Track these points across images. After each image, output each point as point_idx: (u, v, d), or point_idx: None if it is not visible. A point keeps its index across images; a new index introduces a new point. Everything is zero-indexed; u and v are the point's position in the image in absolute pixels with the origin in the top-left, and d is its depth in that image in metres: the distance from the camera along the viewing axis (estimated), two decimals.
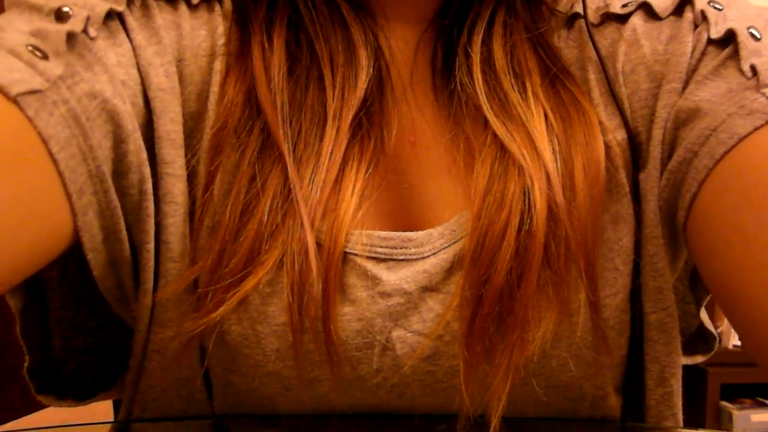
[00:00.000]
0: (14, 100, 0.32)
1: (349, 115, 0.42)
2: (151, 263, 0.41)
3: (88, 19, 0.37)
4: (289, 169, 0.40)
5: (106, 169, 0.37)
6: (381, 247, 0.41)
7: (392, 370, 0.41)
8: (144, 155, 0.39)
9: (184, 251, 0.41)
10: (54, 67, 0.34)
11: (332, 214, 0.40)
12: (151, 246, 0.40)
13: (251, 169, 0.40)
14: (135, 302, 0.42)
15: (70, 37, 0.36)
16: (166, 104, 0.41)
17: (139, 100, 0.40)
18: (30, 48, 0.34)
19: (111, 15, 0.39)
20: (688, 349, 0.50)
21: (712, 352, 0.51)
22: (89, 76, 0.36)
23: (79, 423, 0.44)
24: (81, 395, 0.47)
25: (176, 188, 0.41)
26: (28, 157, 0.33)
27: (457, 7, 0.44)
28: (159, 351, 0.42)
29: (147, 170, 0.40)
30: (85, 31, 0.37)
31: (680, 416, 0.46)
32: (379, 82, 0.44)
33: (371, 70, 0.43)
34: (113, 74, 0.38)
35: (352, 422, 0.43)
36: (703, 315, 0.50)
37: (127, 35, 0.40)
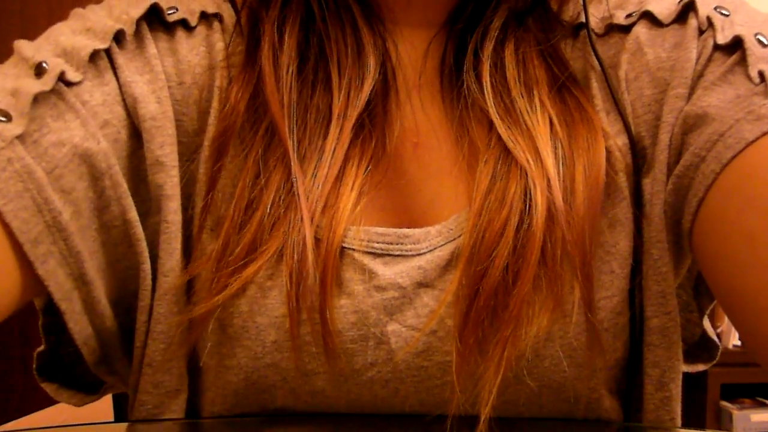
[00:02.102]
0: None
1: (353, 116, 0.43)
2: (148, 281, 0.42)
3: (62, 73, 0.39)
4: (292, 164, 0.41)
5: (74, 214, 0.39)
6: (378, 242, 0.42)
7: (386, 363, 0.41)
8: (122, 189, 0.41)
9: (174, 265, 0.42)
10: (14, 128, 0.37)
11: (332, 209, 0.41)
12: (147, 266, 0.42)
13: (256, 167, 0.42)
14: (116, 350, 0.44)
15: (38, 96, 0.38)
16: (156, 131, 0.42)
17: (123, 136, 0.42)
18: None
19: (98, 53, 0.42)
20: (690, 357, 0.50)
21: (714, 361, 0.51)
22: (58, 126, 0.39)
23: (79, 423, 0.45)
24: (83, 387, 0.48)
25: (167, 207, 0.42)
26: None
27: (469, 14, 0.45)
28: (150, 364, 0.43)
29: (127, 201, 0.41)
30: (62, 79, 0.39)
31: (678, 421, 0.46)
32: (385, 85, 0.44)
33: (378, 73, 0.44)
34: (94, 114, 0.40)
35: (349, 422, 0.43)
36: (706, 324, 0.50)
37: (114, 73, 0.42)
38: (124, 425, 0.48)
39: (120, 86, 0.42)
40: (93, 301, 0.41)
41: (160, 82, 0.43)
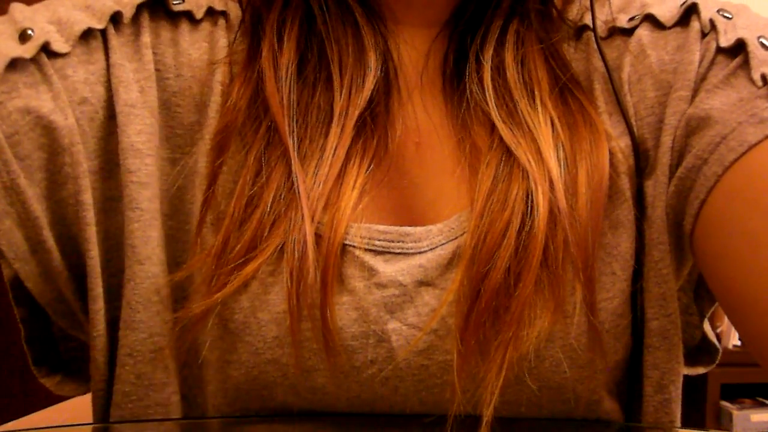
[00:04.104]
0: None
1: (354, 115, 0.43)
2: (97, 270, 0.41)
3: (46, 43, 0.39)
4: (293, 162, 0.41)
5: (28, 180, 0.39)
6: (379, 240, 0.42)
7: (387, 361, 0.41)
8: (81, 168, 0.40)
9: (151, 253, 0.42)
10: None
11: (333, 207, 0.41)
12: (94, 253, 0.41)
13: (257, 165, 0.42)
14: (82, 314, 0.43)
15: (16, 61, 0.38)
16: (133, 118, 0.42)
17: (101, 116, 0.42)
18: None
19: (92, 32, 0.41)
20: (690, 360, 0.50)
21: (714, 364, 0.51)
22: (28, 93, 0.39)
23: (79, 423, 0.44)
24: (73, 373, 0.48)
25: (141, 195, 0.42)
26: None
27: (470, 15, 0.45)
28: (132, 354, 0.42)
29: (84, 182, 0.41)
30: (46, 49, 0.39)
31: (678, 424, 0.46)
32: (386, 84, 0.44)
33: (379, 72, 0.44)
34: (73, 90, 0.40)
35: (348, 423, 0.43)
36: (706, 327, 0.51)
37: (106, 53, 0.42)
38: (124, 425, 0.47)
39: (108, 67, 0.42)
40: (54, 271, 0.41)
41: (146, 72, 0.43)
